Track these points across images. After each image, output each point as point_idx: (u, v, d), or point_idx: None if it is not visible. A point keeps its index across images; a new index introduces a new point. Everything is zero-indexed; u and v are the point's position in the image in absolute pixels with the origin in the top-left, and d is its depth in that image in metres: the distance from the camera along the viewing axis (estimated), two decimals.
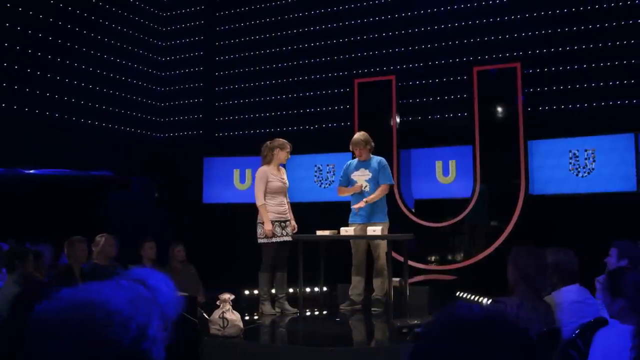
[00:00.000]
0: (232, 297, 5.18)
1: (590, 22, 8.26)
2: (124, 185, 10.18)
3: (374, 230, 6.12)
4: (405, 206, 8.71)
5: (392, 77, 8.93)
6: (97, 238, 6.64)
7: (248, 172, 10.00)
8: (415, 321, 4.69)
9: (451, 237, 8.66)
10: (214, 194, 10.10)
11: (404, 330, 4.58)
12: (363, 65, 9.58)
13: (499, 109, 8.40)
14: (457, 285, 7.82)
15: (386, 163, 6.66)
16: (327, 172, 9.65)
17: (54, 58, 8.86)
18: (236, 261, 9.87)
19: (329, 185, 9.61)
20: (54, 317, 1.01)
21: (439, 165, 9.06)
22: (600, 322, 4.02)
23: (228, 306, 5.08)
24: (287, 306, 6.42)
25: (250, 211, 9.69)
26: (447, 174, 9.01)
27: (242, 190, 10.03)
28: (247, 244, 9.80)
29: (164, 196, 10.24)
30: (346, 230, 6.30)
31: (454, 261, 8.55)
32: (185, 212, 10.00)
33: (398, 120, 8.80)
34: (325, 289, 7.01)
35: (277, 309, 6.41)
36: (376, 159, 6.63)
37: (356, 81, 9.15)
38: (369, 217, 6.48)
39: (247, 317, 6.05)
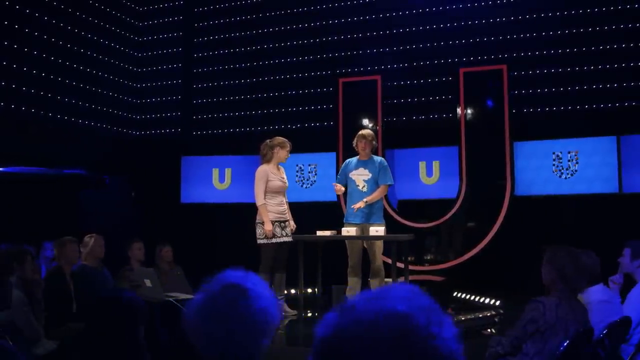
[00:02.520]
0: None
1: (574, 26, 8.41)
2: (97, 184, 9.83)
3: (377, 230, 6.06)
4: (390, 206, 8.69)
5: (378, 77, 8.91)
6: (86, 239, 6.40)
7: (227, 171, 9.81)
8: None
9: (436, 237, 8.67)
10: (193, 193, 9.86)
11: None
12: (348, 64, 9.52)
13: (485, 111, 8.47)
14: (449, 286, 7.85)
15: (387, 164, 6.60)
16: (309, 172, 9.55)
17: (29, 51, 8.50)
18: (216, 262, 9.61)
19: (311, 185, 9.52)
20: (361, 334, 0.89)
21: (422, 165, 9.07)
22: (626, 322, 4.07)
23: None
24: (287, 308, 6.30)
25: (230, 211, 9.58)
26: (431, 175, 9.03)
27: (222, 190, 9.84)
28: (227, 245, 9.67)
29: (140, 195, 9.94)
30: (347, 231, 6.21)
31: (438, 261, 8.56)
32: (162, 212, 9.73)
33: (381, 121, 8.76)
34: (316, 290, 6.91)
35: None
36: (377, 159, 6.55)
37: (340, 80, 9.08)
38: (368, 218, 6.40)
39: None
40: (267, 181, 6.22)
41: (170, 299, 4.67)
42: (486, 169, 8.33)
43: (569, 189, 8.26)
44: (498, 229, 8.19)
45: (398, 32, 9.26)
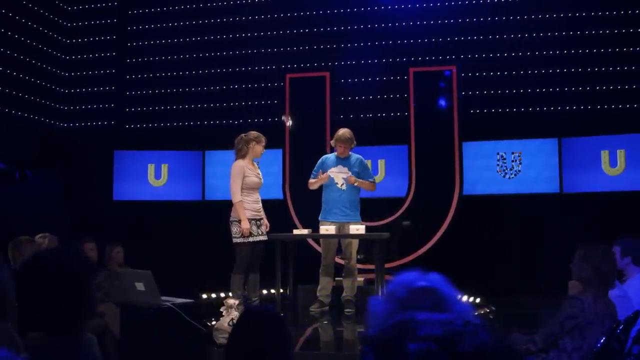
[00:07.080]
0: (237, 302, 4.77)
1: (520, 31, 8.69)
2: (19, 178, 9.00)
3: (357, 229, 5.95)
4: None
5: (327, 74, 8.78)
6: (38, 239, 5.91)
7: (164, 167, 9.34)
8: None
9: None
10: (126, 190, 9.29)
11: None
12: (295, 60, 9.31)
13: (435, 111, 8.56)
14: None
15: (366, 161, 6.57)
16: None
17: None
18: (152, 263, 9.15)
19: None
20: None
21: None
22: (637, 316, 4.20)
23: (236, 312, 4.65)
24: None
25: (166, 209, 9.09)
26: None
27: (158, 187, 9.35)
28: (163, 245, 9.18)
29: (69, 192, 9.21)
30: (327, 229, 6.05)
31: (388, 260, 8.54)
32: (93, 209, 9.07)
33: (329, 117, 8.65)
34: (288, 290, 6.70)
35: None
36: (355, 157, 6.48)
37: (288, 76, 8.86)
38: (346, 216, 6.30)
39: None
40: (244, 177, 5.94)
41: (168, 304, 4.31)
42: (435, 168, 8.42)
43: (513, 188, 8.53)
44: (447, 228, 8.30)
45: (348, 29, 9.18)
